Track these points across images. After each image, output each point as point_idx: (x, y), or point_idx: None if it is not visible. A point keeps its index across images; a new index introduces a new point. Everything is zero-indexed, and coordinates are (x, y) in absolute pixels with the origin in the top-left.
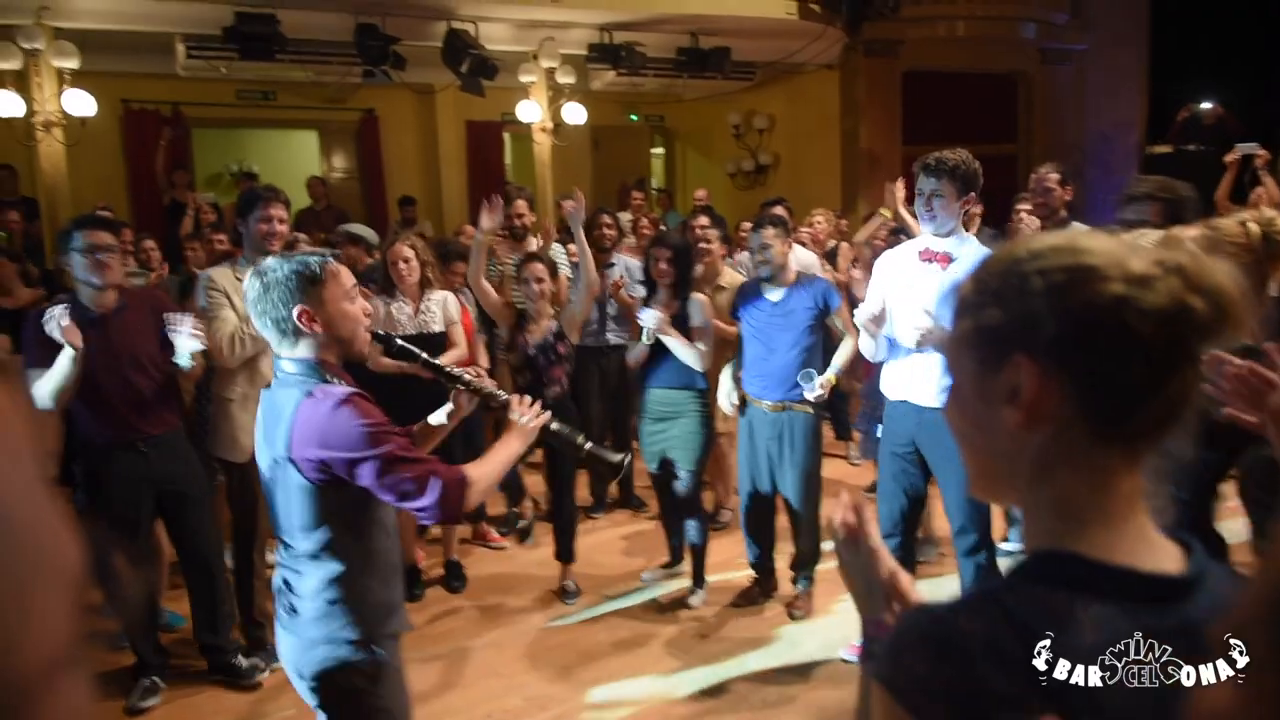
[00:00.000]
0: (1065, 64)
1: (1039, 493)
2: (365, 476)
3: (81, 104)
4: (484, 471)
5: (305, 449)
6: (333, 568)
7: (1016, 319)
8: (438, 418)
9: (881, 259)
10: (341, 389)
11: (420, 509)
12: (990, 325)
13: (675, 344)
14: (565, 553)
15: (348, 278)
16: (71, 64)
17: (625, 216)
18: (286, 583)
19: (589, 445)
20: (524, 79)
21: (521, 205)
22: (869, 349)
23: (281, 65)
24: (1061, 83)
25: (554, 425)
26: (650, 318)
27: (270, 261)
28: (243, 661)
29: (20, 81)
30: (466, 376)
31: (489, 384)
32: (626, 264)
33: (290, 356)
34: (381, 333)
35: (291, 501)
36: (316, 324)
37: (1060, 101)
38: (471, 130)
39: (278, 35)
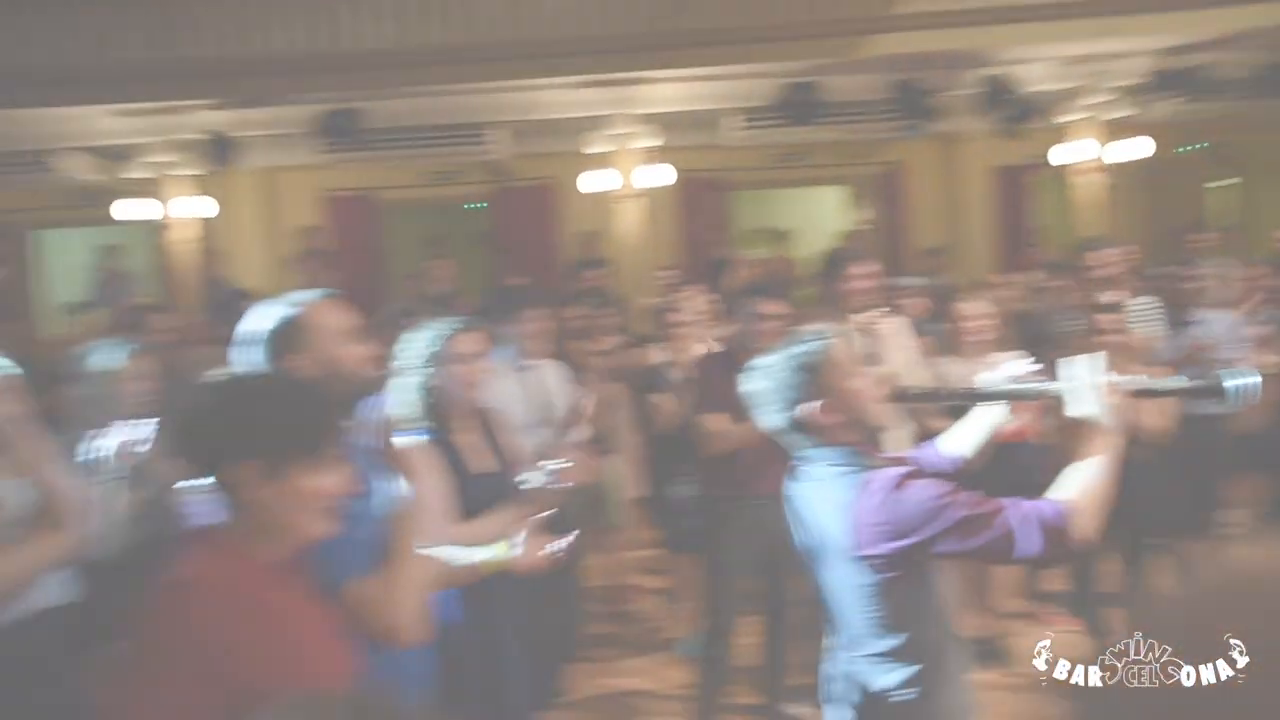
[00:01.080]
0: None
1: None
2: (948, 549)
3: (661, 177)
4: (1078, 486)
5: (877, 544)
6: (901, 670)
7: None
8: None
9: None
10: (890, 470)
11: (1019, 557)
12: None
13: None
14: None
15: (845, 352)
16: (655, 143)
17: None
18: (847, 674)
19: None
20: (1063, 118)
21: (1103, 255)
22: None
23: (819, 127)
24: None
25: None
26: None
27: (770, 359)
28: (793, 710)
29: (601, 159)
30: (1006, 385)
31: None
32: (1214, 320)
33: (813, 449)
34: (905, 387)
35: (856, 600)
36: (830, 415)
37: None
38: (999, 175)
39: (818, 100)
